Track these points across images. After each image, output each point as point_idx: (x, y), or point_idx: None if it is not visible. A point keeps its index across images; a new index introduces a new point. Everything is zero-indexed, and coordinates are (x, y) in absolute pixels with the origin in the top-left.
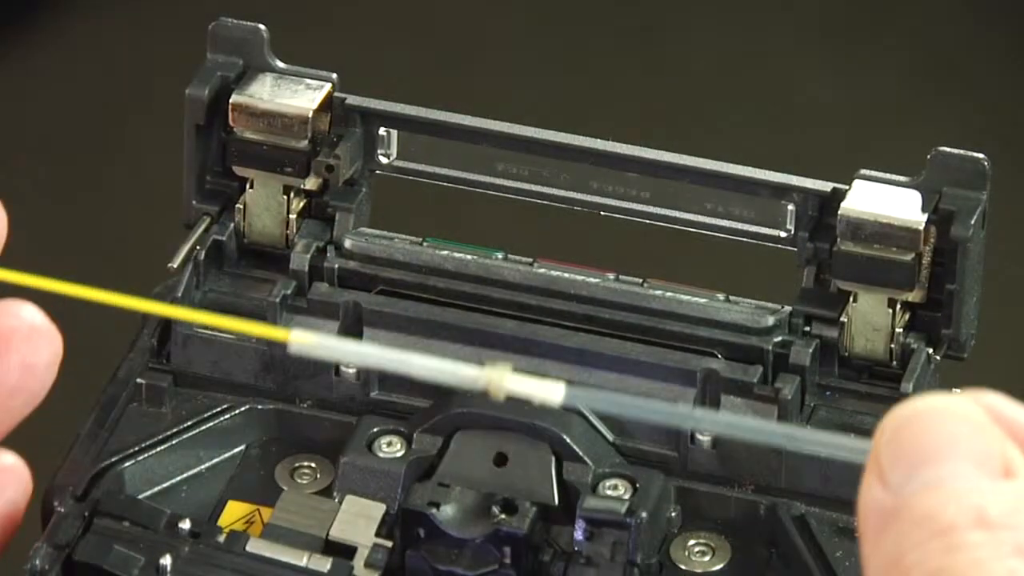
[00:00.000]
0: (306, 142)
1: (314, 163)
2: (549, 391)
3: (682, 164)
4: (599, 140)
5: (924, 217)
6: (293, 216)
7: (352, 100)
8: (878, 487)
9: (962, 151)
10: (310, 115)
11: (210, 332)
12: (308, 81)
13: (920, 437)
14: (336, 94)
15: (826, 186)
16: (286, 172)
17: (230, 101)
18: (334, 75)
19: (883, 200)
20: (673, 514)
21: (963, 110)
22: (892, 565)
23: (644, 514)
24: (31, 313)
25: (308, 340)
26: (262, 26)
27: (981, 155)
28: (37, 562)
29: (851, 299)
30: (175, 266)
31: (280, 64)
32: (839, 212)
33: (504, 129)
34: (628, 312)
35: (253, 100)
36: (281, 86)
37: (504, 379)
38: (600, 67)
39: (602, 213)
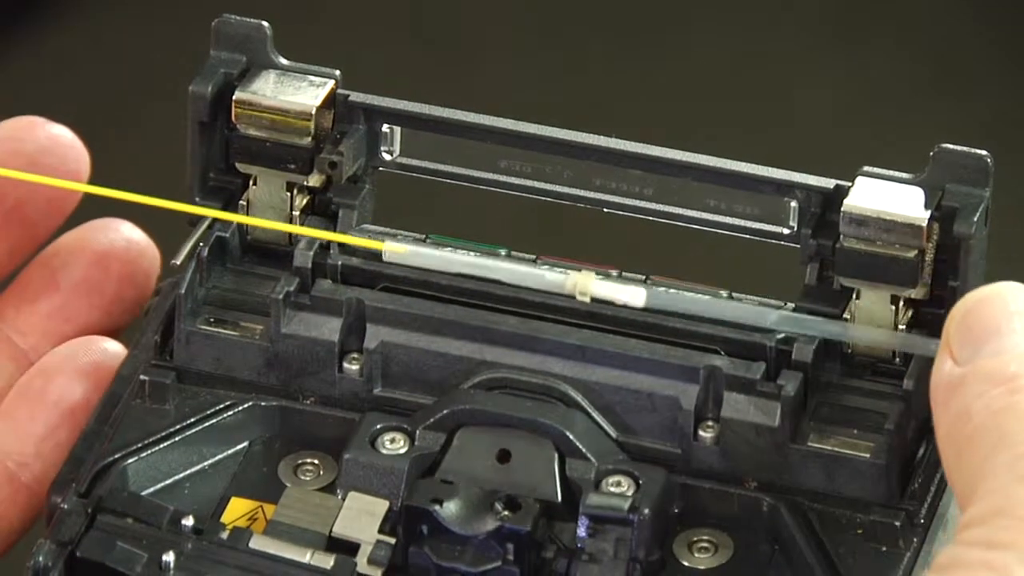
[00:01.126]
0: (309, 139)
1: (317, 160)
2: (632, 295)
3: (686, 161)
4: (602, 137)
5: (927, 214)
6: (296, 213)
7: (355, 97)
8: (949, 363)
9: (965, 148)
10: (313, 112)
11: (213, 329)
12: (311, 78)
13: (984, 317)
14: (339, 91)
15: (829, 183)
16: (289, 169)
17: (233, 98)
18: (337, 72)
19: (886, 197)
20: (676, 511)
21: (963, 109)
22: (959, 418)
23: (647, 511)
24: (130, 229)
25: (400, 249)
26: (265, 23)
27: (984, 152)
28: (40, 559)
29: (854, 296)
30: (178, 263)
31: (283, 61)
32: (842, 208)
33: (507, 126)
34: (631, 309)
35: (256, 97)
36: (284, 83)
37: (589, 284)
38: (600, 67)
39: (605, 210)
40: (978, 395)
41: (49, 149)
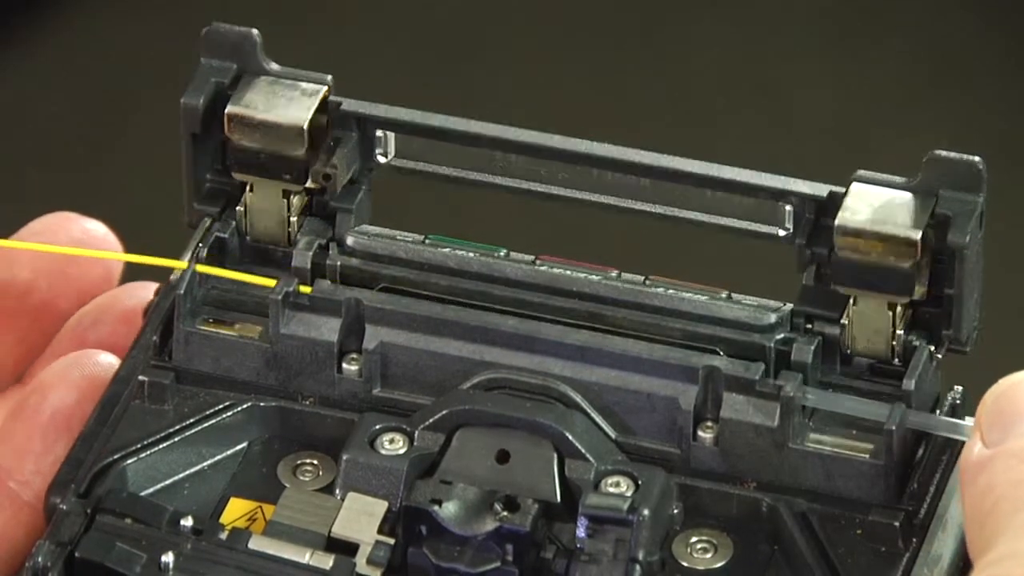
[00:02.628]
0: (303, 150)
1: (312, 172)
2: None
3: (679, 169)
4: (596, 144)
5: (920, 229)
6: (294, 218)
7: (347, 105)
8: (979, 445)
9: (957, 154)
10: (305, 126)
11: (212, 330)
12: (303, 85)
13: (1014, 401)
14: (332, 98)
15: (823, 190)
16: (284, 179)
17: (226, 112)
18: (329, 77)
19: (879, 208)
20: (675, 511)
21: (963, 110)
22: (983, 492)
23: (646, 511)
24: (153, 290)
25: None
26: (255, 30)
27: (976, 158)
28: (39, 559)
29: (851, 301)
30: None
31: (275, 66)
32: (836, 223)
33: (502, 133)
34: (630, 309)
35: (248, 111)
36: (276, 93)
37: None
38: (600, 67)
39: (604, 210)
40: (1004, 471)
41: (82, 243)
